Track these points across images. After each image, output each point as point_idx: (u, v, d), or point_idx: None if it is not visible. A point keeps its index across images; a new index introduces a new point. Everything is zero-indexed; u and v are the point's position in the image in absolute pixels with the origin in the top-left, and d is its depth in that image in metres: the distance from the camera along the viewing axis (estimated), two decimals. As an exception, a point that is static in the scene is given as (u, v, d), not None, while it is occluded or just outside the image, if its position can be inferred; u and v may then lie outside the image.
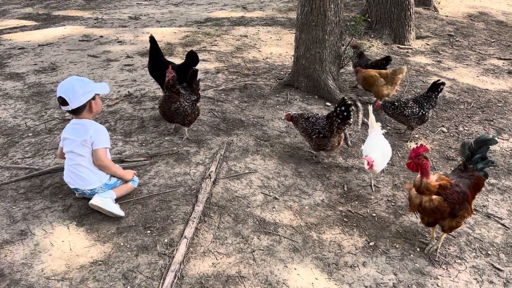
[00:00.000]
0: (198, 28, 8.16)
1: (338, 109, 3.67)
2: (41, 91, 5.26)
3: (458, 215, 2.83)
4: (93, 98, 3.12)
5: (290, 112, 4.12)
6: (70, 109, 3.06)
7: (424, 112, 4.41)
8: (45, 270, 2.71)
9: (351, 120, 3.69)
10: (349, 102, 3.65)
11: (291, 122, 4.15)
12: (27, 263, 2.75)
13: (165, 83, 3.96)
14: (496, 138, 3.06)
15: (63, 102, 3.01)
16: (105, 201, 3.10)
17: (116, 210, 3.12)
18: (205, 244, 2.98)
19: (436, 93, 4.45)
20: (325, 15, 4.90)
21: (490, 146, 3.08)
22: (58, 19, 8.97)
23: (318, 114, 4.05)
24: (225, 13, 9.51)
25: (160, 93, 5.16)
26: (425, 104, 4.42)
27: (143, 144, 4.09)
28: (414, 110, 4.39)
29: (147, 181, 3.58)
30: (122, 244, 2.93)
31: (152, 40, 4.62)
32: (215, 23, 8.55)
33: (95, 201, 3.09)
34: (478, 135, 3.15)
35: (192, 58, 4.59)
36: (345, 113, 3.63)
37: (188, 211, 3.25)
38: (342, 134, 3.90)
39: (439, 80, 4.53)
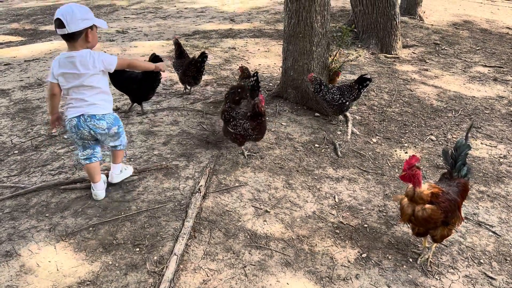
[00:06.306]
0: (186, 41, 8.16)
1: (253, 79, 4.53)
2: (27, 107, 5.19)
3: (450, 223, 2.83)
4: (91, 28, 3.02)
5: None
6: (66, 33, 2.92)
7: (344, 101, 4.64)
8: (31, 292, 2.63)
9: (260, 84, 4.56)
10: (255, 72, 4.55)
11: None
12: (12, 286, 2.67)
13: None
14: (469, 143, 3.08)
15: (59, 24, 2.90)
16: (121, 176, 3.65)
17: (129, 172, 3.73)
18: (196, 261, 2.93)
19: (360, 86, 4.67)
20: (311, 27, 4.92)
21: (468, 152, 3.10)
22: (44, 34, 8.92)
23: (227, 106, 4.20)
24: (213, 25, 9.54)
25: (146, 106, 5.13)
26: (346, 93, 4.65)
27: (131, 159, 4.04)
28: (335, 97, 4.63)
29: (135, 197, 3.53)
30: (110, 262, 2.87)
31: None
32: (203, 36, 8.56)
33: (116, 180, 3.63)
34: (457, 141, 3.16)
35: (155, 61, 4.53)
36: (255, 82, 4.52)
37: (177, 227, 3.20)
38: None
39: (366, 74, 4.75)
